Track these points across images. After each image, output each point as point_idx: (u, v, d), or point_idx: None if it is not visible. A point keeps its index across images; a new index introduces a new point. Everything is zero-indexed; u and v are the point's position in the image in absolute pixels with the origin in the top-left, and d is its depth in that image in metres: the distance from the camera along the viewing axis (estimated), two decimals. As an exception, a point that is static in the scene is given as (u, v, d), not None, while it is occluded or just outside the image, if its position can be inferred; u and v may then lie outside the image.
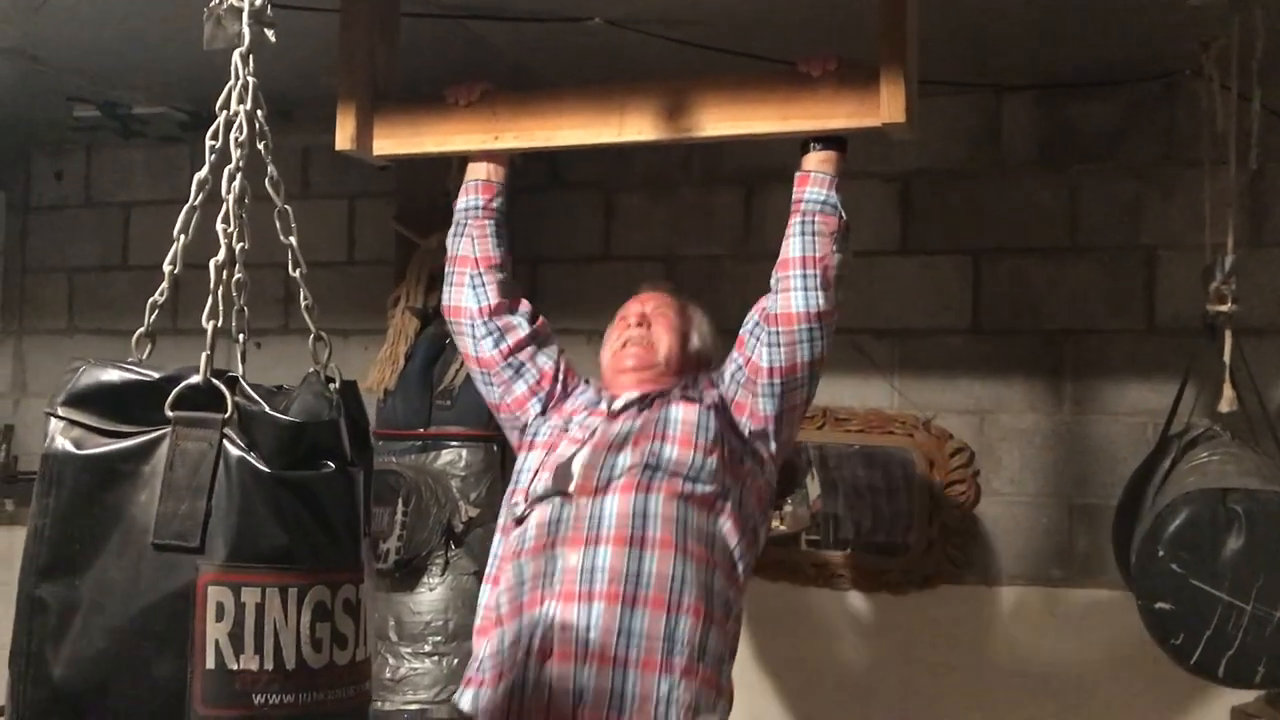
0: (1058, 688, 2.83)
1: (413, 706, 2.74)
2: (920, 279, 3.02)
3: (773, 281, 2.08)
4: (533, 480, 2.04)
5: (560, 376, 2.23)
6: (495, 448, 2.97)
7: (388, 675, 2.75)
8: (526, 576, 1.94)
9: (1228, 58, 2.29)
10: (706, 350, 2.26)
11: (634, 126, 2.09)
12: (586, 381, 2.26)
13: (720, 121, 2.04)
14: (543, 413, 2.20)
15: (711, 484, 1.97)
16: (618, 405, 2.10)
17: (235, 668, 1.22)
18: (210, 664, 1.22)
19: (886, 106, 1.92)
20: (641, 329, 2.19)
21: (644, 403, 2.09)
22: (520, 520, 2.02)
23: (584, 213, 3.27)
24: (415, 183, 3.10)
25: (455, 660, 2.78)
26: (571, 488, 1.97)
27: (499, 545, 2.08)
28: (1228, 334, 2.35)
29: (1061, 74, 2.86)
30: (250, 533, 1.25)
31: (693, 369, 2.20)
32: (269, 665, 1.23)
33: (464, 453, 2.89)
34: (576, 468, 2.00)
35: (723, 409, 2.08)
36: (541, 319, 2.29)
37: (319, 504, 1.30)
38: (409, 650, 2.77)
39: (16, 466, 3.70)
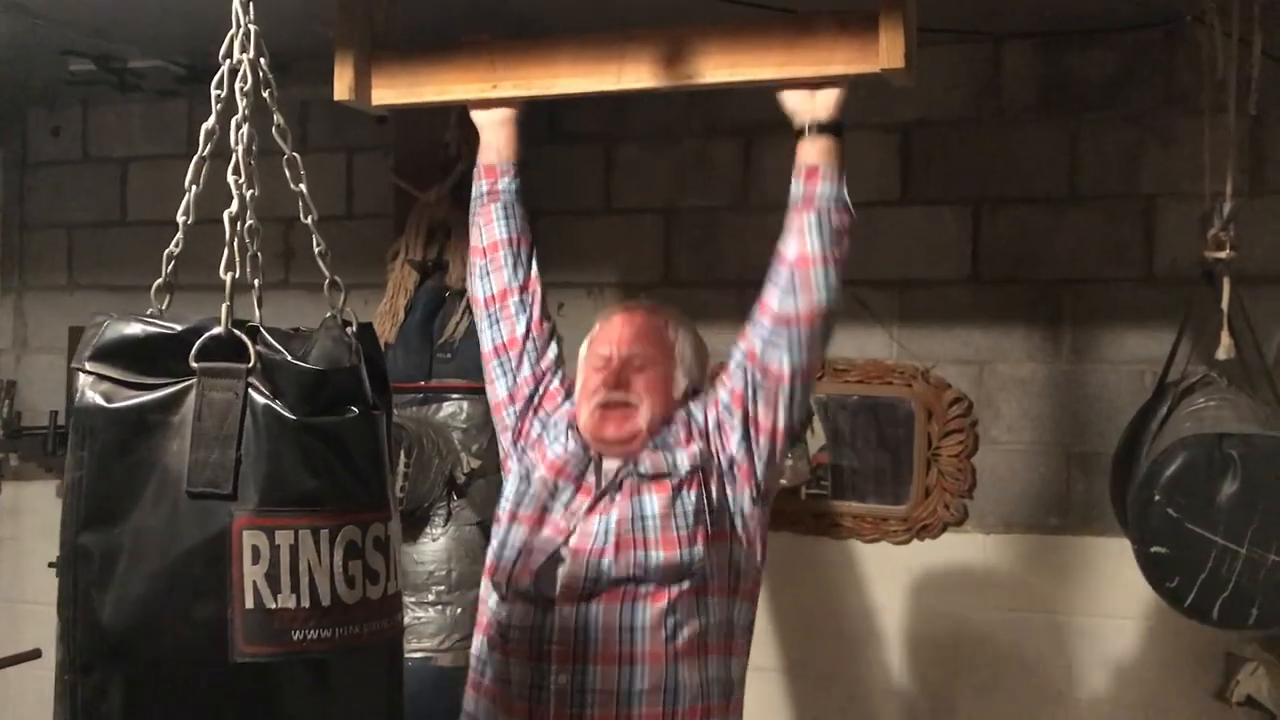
0: (1056, 633, 2.86)
1: (417, 655, 2.77)
2: (920, 229, 3.02)
3: (782, 278, 1.96)
4: (514, 568, 1.95)
5: (536, 396, 2.12)
6: (496, 400, 2.99)
7: (392, 624, 2.78)
8: (514, 679, 1.91)
9: (1229, 3, 2.28)
10: (694, 381, 2.09)
11: (633, 74, 2.08)
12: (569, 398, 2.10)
13: (719, 68, 2.03)
14: (516, 430, 2.11)
15: (700, 571, 1.89)
16: (589, 494, 1.97)
17: (273, 607, 1.27)
18: (249, 604, 1.26)
19: (886, 52, 1.91)
20: (620, 391, 2.00)
21: (614, 484, 1.95)
22: (503, 598, 1.97)
23: (583, 165, 3.26)
24: (413, 135, 3.10)
25: (459, 609, 2.82)
26: (555, 593, 1.90)
27: (486, 590, 2.04)
28: (1226, 281, 2.36)
29: (1062, 22, 2.84)
30: (280, 478, 1.29)
31: (678, 409, 2.04)
32: (305, 603, 1.27)
33: (465, 405, 2.91)
34: (561, 574, 1.90)
35: (703, 464, 1.95)
36: (541, 320, 2.16)
37: (344, 448, 1.33)
38: (413, 599, 2.80)
39: (19, 422, 3.72)
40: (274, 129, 1.44)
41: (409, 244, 3.02)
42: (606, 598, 1.88)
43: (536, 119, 3.21)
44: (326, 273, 1.46)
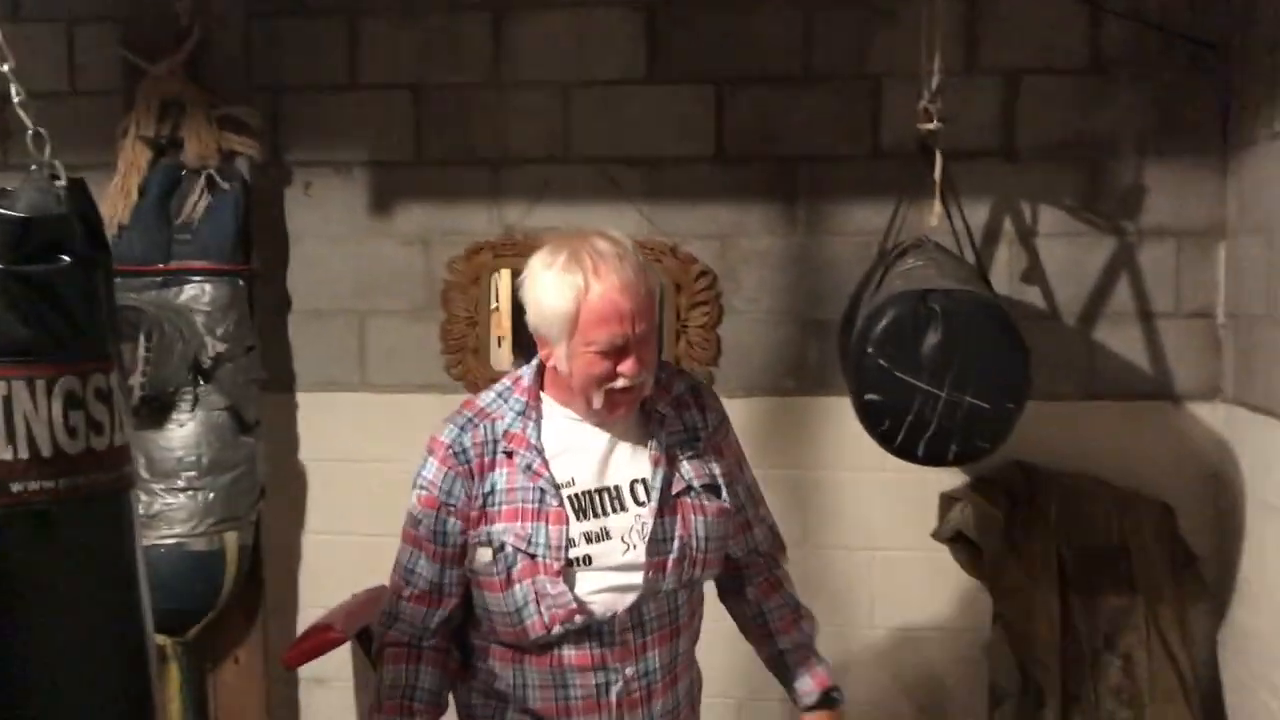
0: (794, 488, 3.06)
1: (169, 540, 2.73)
2: (666, 107, 3.09)
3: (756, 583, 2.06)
4: (549, 627, 1.81)
5: (463, 527, 1.85)
6: (241, 282, 2.92)
7: (140, 511, 2.70)
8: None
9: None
10: None
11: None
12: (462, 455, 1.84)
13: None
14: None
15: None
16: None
17: None
18: None
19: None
20: (639, 374, 1.80)
21: (668, 494, 1.86)
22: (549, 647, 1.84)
23: (327, 39, 3.15)
24: (141, 4, 2.92)
25: (211, 494, 2.78)
26: (613, 659, 1.83)
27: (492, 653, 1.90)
28: (937, 153, 2.55)
29: (796, -97, 2.93)
30: (-12, 329, 1.25)
31: None
32: (24, 454, 1.26)
33: (208, 288, 2.83)
34: (616, 632, 1.82)
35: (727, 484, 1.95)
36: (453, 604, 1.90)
37: (57, 296, 1.31)
38: (161, 486, 2.74)
39: None
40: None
41: (140, 120, 2.87)
42: (660, 640, 1.88)
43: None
44: (29, 124, 1.39)
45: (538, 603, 1.78)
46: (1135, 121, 2.93)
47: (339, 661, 3.08)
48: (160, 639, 2.83)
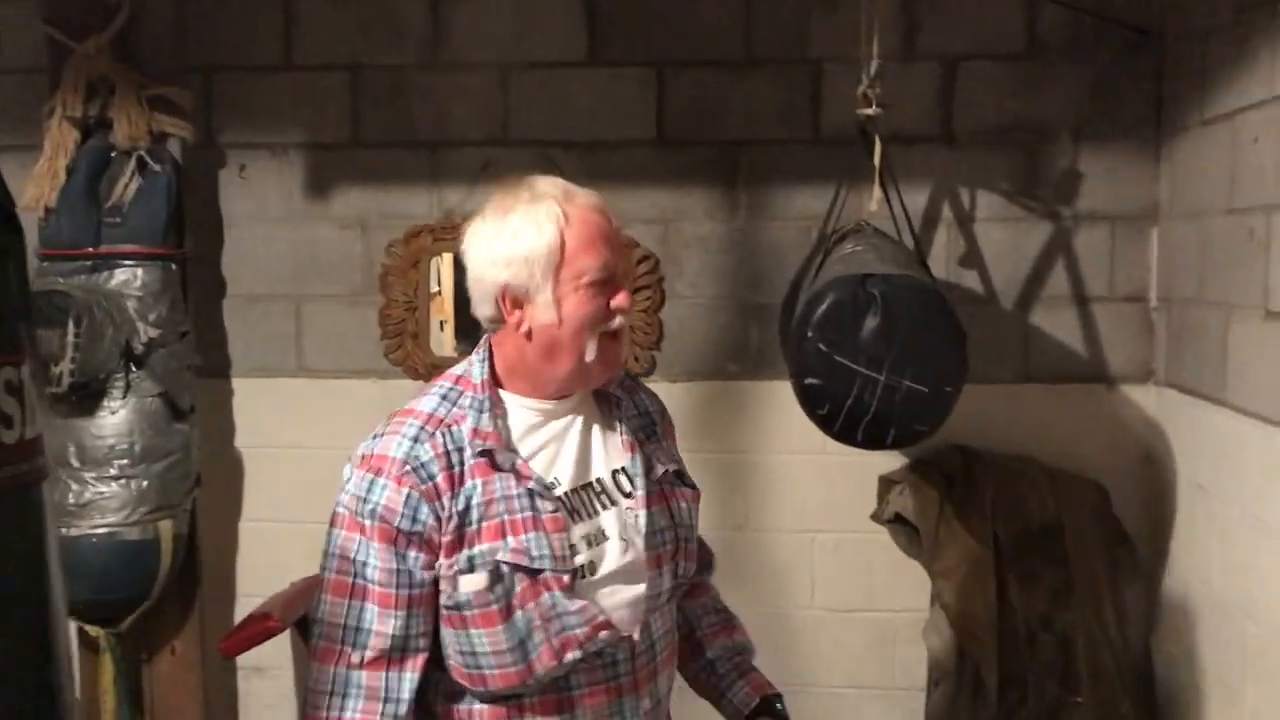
0: (736, 471, 3.08)
1: (101, 530, 2.67)
2: (607, 91, 3.07)
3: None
4: (559, 655, 1.55)
5: (437, 551, 1.56)
6: (173, 266, 2.86)
7: (71, 501, 2.66)
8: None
9: None
10: None
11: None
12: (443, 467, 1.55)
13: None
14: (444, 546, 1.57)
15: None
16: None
17: None
18: None
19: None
20: (626, 308, 1.64)
21: (652, 482, 1.69)
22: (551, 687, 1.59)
23: (261, 18, 3.09)
24: (66, -20, 2.85)
25: (144, 482, 2.73)
26: (629, 690, 1.62)
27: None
28: (876, 138, 2.56)
29: (737, -114, 2.92)
30: (-109, 324, 1.20)
31: None
32: None
33: (139, 272, 2.77)
34: (633, 656, 1.63)
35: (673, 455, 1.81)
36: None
37: None
38: (93, 475, 2.68)
39: None
40: None
41: (67, 100, 2.80)
42: (664, 661, 1.71)
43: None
44: (-59, 105, 1.35)
45: (545, 628, 1.53)
46: (1071, 107, 2.96)
47: (277, 650, 3.03)
48: (94, 630, 2.78)
